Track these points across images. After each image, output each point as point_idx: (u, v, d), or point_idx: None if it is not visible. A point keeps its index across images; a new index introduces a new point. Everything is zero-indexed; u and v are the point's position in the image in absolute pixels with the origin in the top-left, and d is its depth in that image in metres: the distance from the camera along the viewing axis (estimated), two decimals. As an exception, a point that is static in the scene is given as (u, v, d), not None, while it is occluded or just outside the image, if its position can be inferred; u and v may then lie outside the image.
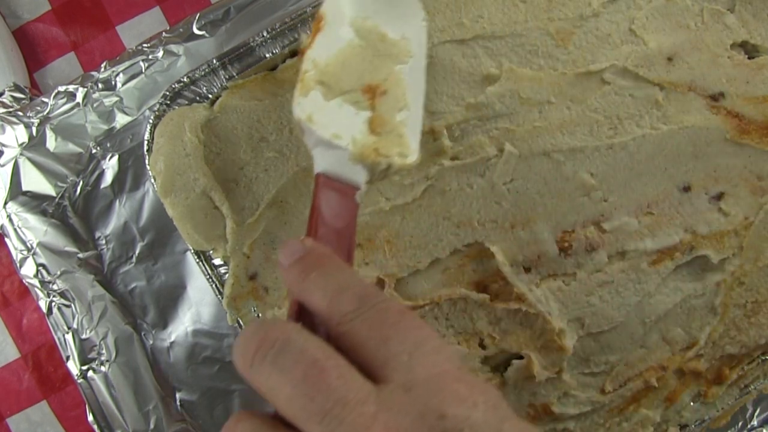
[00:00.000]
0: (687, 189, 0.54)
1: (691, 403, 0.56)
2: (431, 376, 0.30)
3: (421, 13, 0.50)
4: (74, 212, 0.61)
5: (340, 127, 0.43)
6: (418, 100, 0.47)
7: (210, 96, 0.55)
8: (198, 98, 0.55)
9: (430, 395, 0.29)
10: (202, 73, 0.54)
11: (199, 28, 0.60)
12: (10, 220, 0.60)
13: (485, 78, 0.53)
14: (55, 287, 0.60)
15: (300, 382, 0.29)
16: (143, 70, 0.60)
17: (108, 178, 0.61)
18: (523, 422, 0.30)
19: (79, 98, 0.61)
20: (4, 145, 0.61)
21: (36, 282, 0.60)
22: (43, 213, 0.61)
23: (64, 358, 0.60)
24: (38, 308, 0.61)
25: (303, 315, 0.33)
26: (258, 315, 0.54)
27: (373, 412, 0.28)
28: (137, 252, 0.61)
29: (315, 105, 0.43)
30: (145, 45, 0.61)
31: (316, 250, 0.35)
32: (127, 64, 0.61)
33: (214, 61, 0.54)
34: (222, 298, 0.54)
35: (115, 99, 0.61)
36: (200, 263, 0.55)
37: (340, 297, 0.32)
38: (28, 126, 0.61)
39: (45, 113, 0.61)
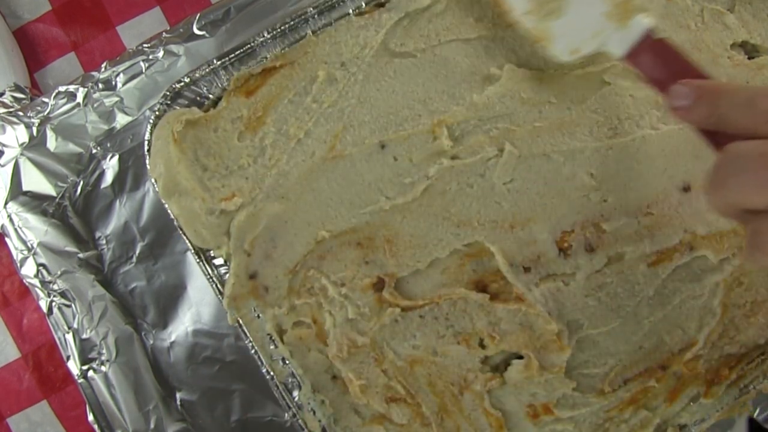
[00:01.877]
0: (687, 189, 0.54)
1: (691, 404, 0.56)
2: None
3: None
4: (74, 212, 0.61)
5: (589, 23, 0.47)
6: None
7: (211, 96, 0.55)
8: (198, 98, 0.55)
9: None
10: (203, 73, 0.54)
11: (199, 28, 0.61)
12: (11, 220, 0.60)
13: (486, 78, 0.53)
14: (55, 287, 0.60)
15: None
16: (143, 70, 0.61)
17: (108, 178, 0.61)
18: None
19: (79, 98, 0.61)
20: (4, 145, 0.61)
21: (36, 282, 0.60)
22: (44, 213, 0.61)
23: (65, 358, 0.60)
24: (38, 308, 0.61)
25: (721, 144, 0.38)
26: (258, 315, 0.54)
27: None
28: (137, 252, 0.61)
29: (563, 37, 0.48)
30: (145, 45, 0.61)
31: (706, 84, 0.40)
32: (127, 64, 0.61)
33: (215, 61, 0.54)
34: (222, 298, 0.54)
35: (116, 99, 0.61)
36: (200, 263, 0.55)
37: (755, 102, 0.36)
38: (28, 126, 0.61)
39: (45, 113, 0.61)
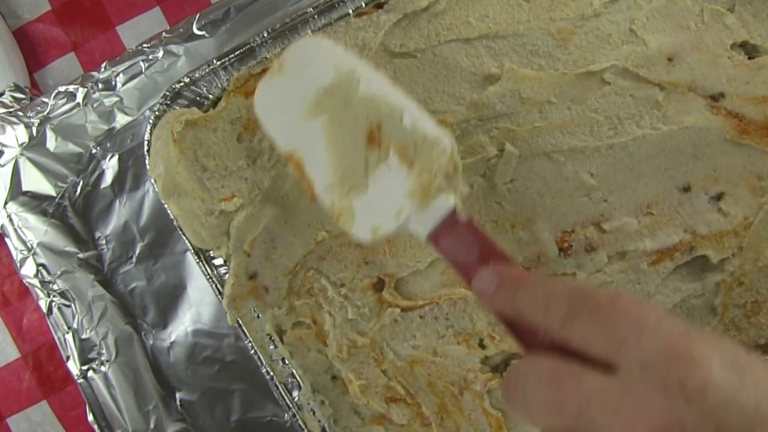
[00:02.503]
0: (687, 189, 0.54)
1: (691, 403, 0.56)
2: (661, 350, 0.31)
3: (311, 40, 0.48)
4: (74, 212, 0.61)
5: (393, 200, 0.42)
6: (397, 95, 0.44)
7: (210, 96, 0.55)
8: (198, 98, 0.55)
9: (666, 368, 0.30)
10: (203, 73, 0.54)
11: (199, 28, 0.60)
12: (11, 220, 0.60)
13: (487, 78, 0.53)
14: (55, 287, 0.60)
15: (547, 399, 0.33)
16: (143, 70, 0.60)
17: (108, 178, 0.61)
18: (764, 364, 0.31)
19: (79, 98, 0.61)
20: (4, 145, 0.61)
21: (36, 282, 0.60)
22: (44, 213, 0.61)
23: (64, 358, 0.60)
24: (38, 308, 0.61)
25: (522, 334, 0.37)
26: (258, 315, 0.54)
27: (617, 401, 0.30)
28: (137, 252, 0.61)
29: (364, 215, 0.43)
30: (145, 45, 0.61)
31: (508, 273, 0.38)
32: (127, 64, 0.61)
33: (215, 62, 0.54)
34: (222, 298, 0.54)
35: (115, 99, 0.61)
36: (200, 263, 0.55)
37: (550, 304, 0.34)
38: (28, 126, 0.61)
39: (45, 113, 0.61)
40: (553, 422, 0.33)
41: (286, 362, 0.54)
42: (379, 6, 0.54)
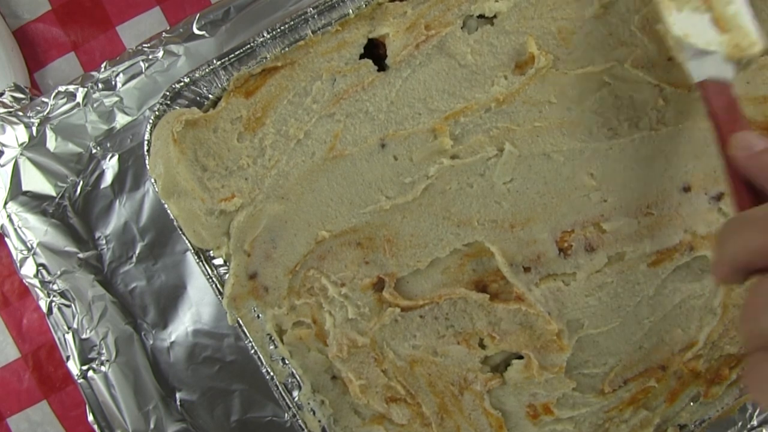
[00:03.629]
0: (687, 189, 0.54)
1: (691, 403, 0.56)
2: None
3: None
4: (74, 212, 0.61)
5: (703, 34, 0.47)
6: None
7: (210, 96, 0.55)
8: (198, 98, 0.55)
9: None
10: (203, 73, 0.54)
11: (199, 28, 0.61)
12: (11, 220, 0.60)
13: (488, 77, 0.53)
14: (55, 287, 0.60)
15: None
16: (143, 70, 0.61)
17: (108, 178, 0.61)
18: None
19: (79, 98, 0.61)
20: (4, 145, 0.61)
21: (36, 282, 0.60)
22: (43, 213, 0.61)
23: (64, 358, 0.60)
24: (38, 308, 0.61)
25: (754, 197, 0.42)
26: (258, 315, 0.54)
27: None
28: (137, 252, 0.61)
29: (685, 21, 0.48)
30: (145, 45, 0.61)
31: None
32: (127, 64, 0.61)
33: (215, 62, 0.54)
34: (222, 298, 0.54)
35: (115, 99, 0.61)
36: (200, 263, 0.55)
37: None
38: (28, 126, 0.61)
39: (45, 113, 0.61)
40: None
41: (286, 362, 0.54)
42: (380, 5, 0.54)
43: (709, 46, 0.47)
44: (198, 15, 0.61)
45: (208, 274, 0.55)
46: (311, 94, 0.53)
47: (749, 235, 0.36)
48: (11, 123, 0.61)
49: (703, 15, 0.48)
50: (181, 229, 0.53)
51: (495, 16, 0.53)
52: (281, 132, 0.53)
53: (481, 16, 0.53)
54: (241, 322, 0.54)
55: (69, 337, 0.60)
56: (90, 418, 0.60)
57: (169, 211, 0.53)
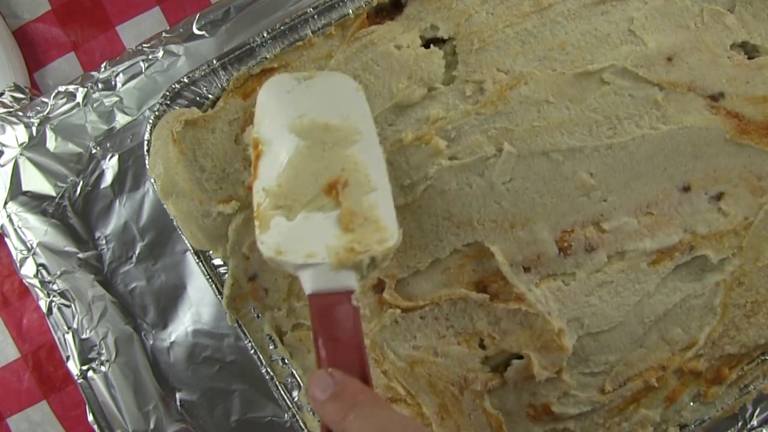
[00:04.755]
0: (687, 189, 0.54)
1: (691, 403, 0.56)
2: None
3: (351, 82, 0.49)
4: (74, 212, 0.61)
5: (312, 242, 0.42)
6: (382, 174, 0.46)
7: (210, 96, 0.55)
8: (198, 98, 0.55)
9: None
10: (202, 73, 0.55)
11: (199, 28, 0.61)
12: (10, 220, 0.60)
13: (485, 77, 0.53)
14: (55, 287, 0.60)
15: None
16: (143, 70, 0.61)
17: (108, 178, 0.61)
18: None
19: (79, 98, 0.61)
20: (4, 145, 0.61)
21: (36, 282, 0.60)
22: (43, 213, 0.61)
23: (64, 358, 0.60)
24: (38, 308, 0.61)
25: None
26: (257, 315, 0.54)
27: None
28: (137, 252, 0.61)
29: (279, 234, 0.43)
30: (145, 45, 0.61)
31: (349, 386, 0.36)
32: (127, 64, 0.61)
33: (214, 62, 0.54)
34: (222, 298, 0.54)
35: (115, 99, 0.61)
36: (200, 263, 0.55)
37: None
38: (28, 126, 0.61)
39: (45, 113, 0.61)
40: None
41: (286, 362, 0.54)
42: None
43: (310, 259, 0.41)
44: (198, 15, 0.61)
45: (208, 274, 0.55)
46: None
47: None
48: (11, 123, 0.61)
49: (328, 214, 0.43)
50: (180, 230, 0.53)
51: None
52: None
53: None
54: (240, 322, 0.54)
55: (69, 337, 0.60)
56: (90, 418, 0.60)
57: (168, 211, 0.53)
